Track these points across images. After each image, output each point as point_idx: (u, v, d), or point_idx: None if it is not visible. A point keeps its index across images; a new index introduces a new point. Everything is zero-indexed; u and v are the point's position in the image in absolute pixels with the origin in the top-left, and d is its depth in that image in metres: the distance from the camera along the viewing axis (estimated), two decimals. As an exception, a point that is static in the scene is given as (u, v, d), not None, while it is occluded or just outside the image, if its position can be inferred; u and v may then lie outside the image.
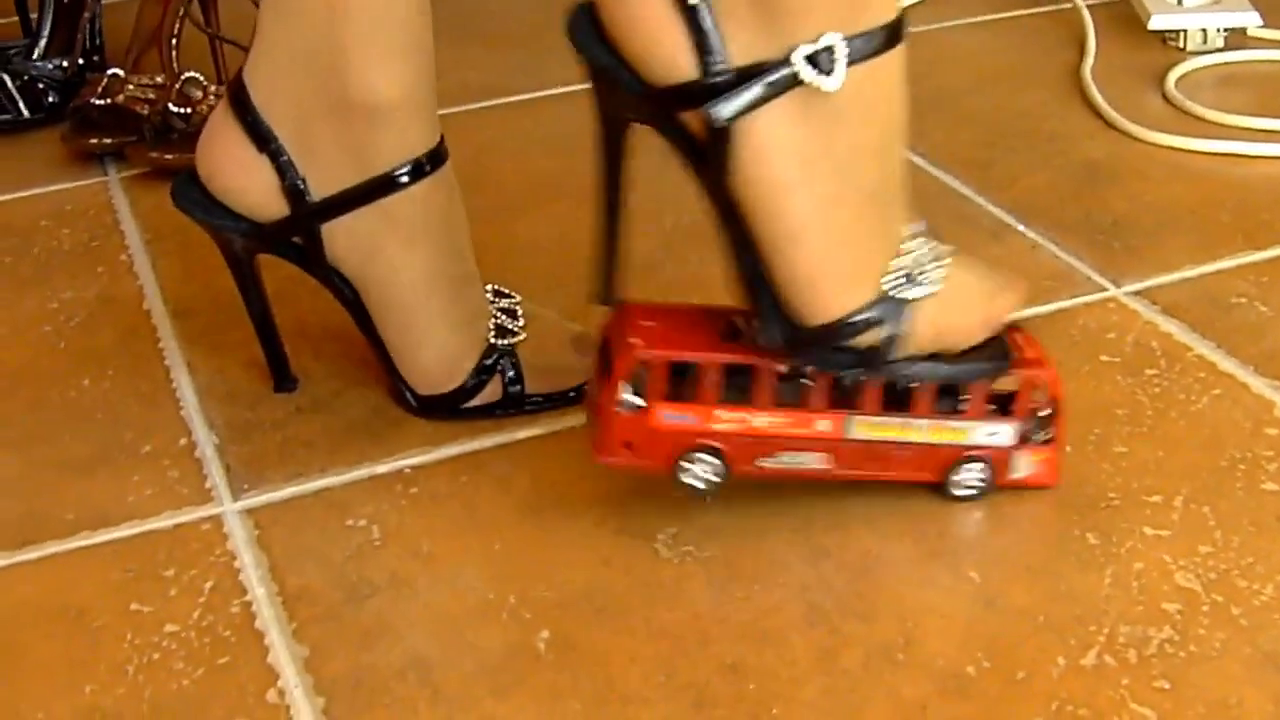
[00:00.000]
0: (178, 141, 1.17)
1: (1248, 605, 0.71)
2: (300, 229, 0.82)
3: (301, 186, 0.81)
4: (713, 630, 0.70)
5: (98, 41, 1.34)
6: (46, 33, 1.31)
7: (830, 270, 0.70)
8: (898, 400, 0.75)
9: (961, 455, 0.76)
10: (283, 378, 0.89)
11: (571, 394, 0.87)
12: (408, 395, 0.86)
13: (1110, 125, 1.20)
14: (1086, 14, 1.40)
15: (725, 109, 0.67)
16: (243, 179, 0.81)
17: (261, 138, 0.80)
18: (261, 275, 0.86)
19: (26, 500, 0.82)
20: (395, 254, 0.82)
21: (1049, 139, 1.19)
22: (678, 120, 0.69)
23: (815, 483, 0.77)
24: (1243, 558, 0.74)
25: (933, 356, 0.74)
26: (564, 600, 0.73)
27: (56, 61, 1.30)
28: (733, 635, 0.70)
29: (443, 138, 0.83)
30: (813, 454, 0.75)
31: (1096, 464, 0.81)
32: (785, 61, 0.67)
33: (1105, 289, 0.97)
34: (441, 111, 0.83)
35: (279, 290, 0.88)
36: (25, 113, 1.29)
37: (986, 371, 0.75)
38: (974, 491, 0.77)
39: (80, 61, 1.31)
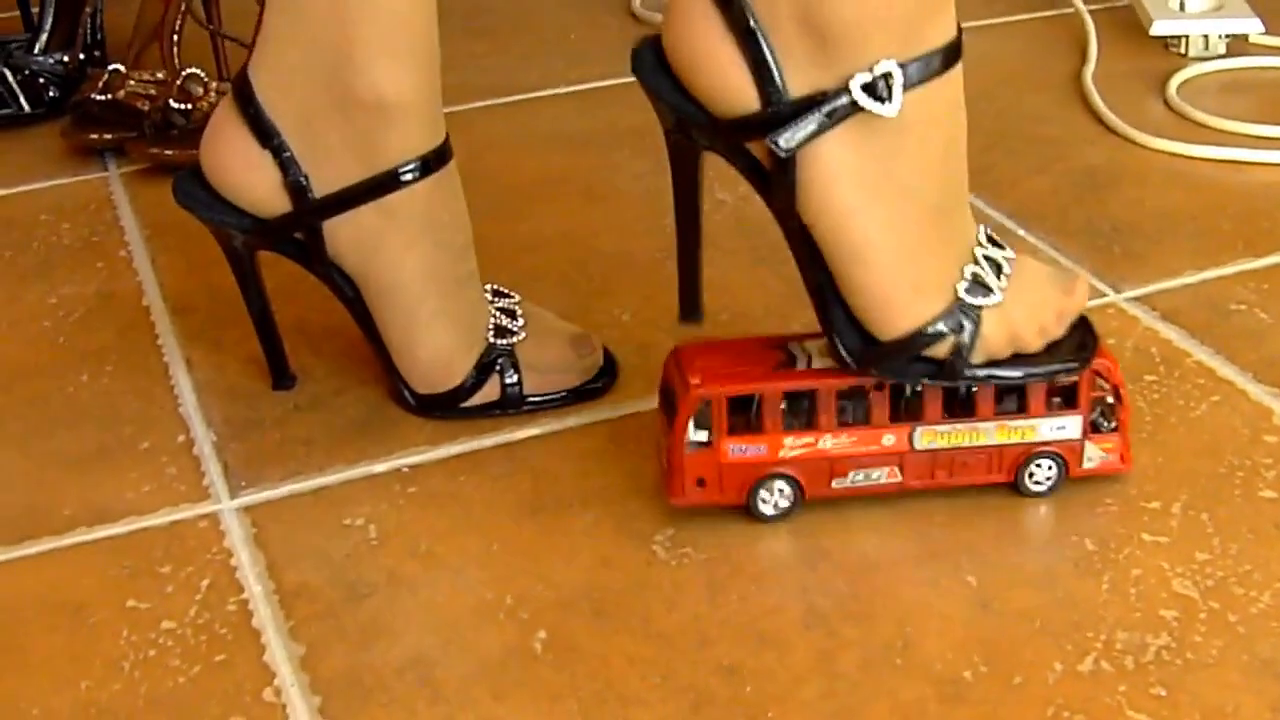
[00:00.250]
0: (178, 137, 1.17)
1: (1245, 613, 0.71)
2: (302, 226, 0.82)
3: (304, 183, 0.81)
4: (711, 632, 0.70)
5: (99, 36, 1.34)
6: (48, 27, 1.31)
7: (898, 286, 0.71)
8: (960, 405, 0.76)
9: (1032, 453, 0.77)
10: (281, 375, 0.89)
11: (569, 394, 0.87)
12: (406, 394, 0.86)
13: (1111, 131, 1.20)
14: (1088, 19, 1.40)
15: (788, 139, 0.68)
16: (246, 175, 0.81)
17: (265, 134, 0.80)
18: (261, 272, 0.86)
19: (24, 495, 0.82)
20: (397, 252, 0.82)
21: (1050, 144, 1.19)
22: (744, 149, 0.71)
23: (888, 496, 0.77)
24: (1240, 565, 0.74)
25: (1013, 358, 0.74)
26: (562, 601, 0.73)
27: (57, 56, 1.30)
28: (731, 637, 0.70)
29: (447, 136, 0.83)
30: (882, 469, 0.76)
31: (1095, 469, 0.81)
32: (844, 90, 0.68)
33: (1105, 294, 0.97)
34: (444, 109, 0.83)
35: (279, 287, 0.88)
36: (26, 107, 1.29)
37: (1068, 369, 0.75)
38: (1046, 487, 0.78)
39: (81, 56, 1.31)
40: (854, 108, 0.68)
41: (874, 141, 0.69)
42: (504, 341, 0.86)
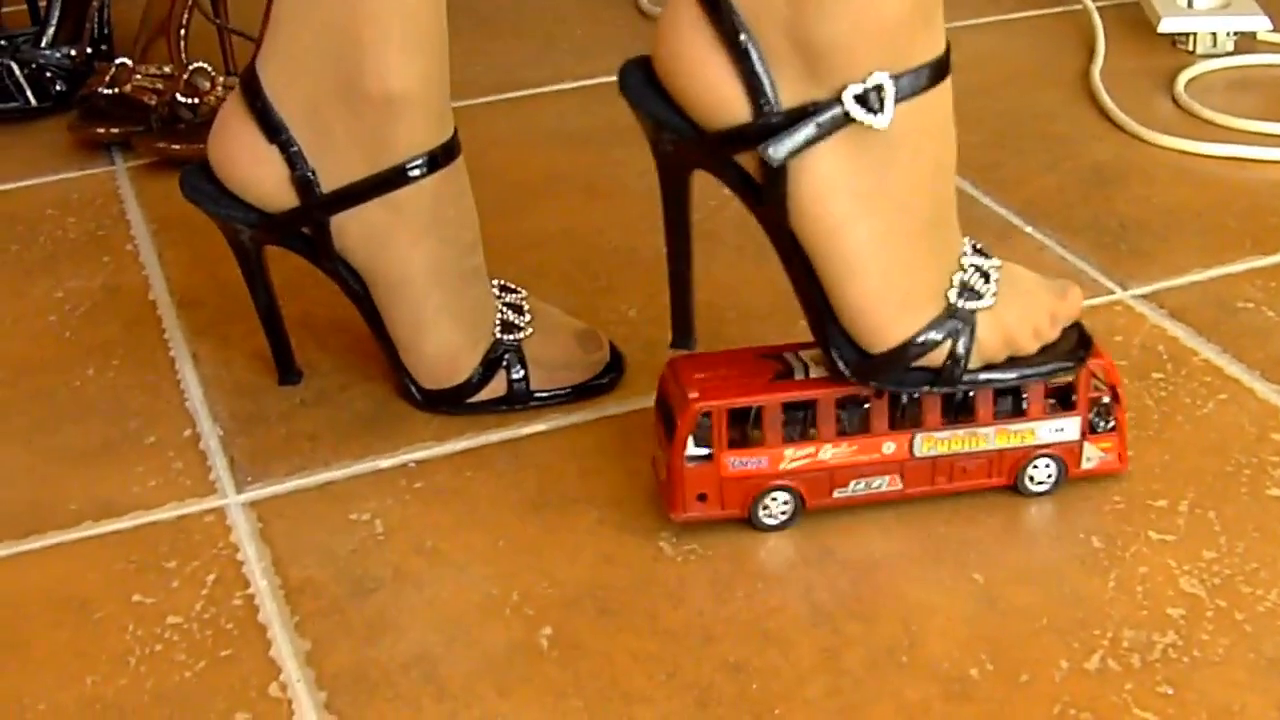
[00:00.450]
0: (185, 132, 1.17)
1: (1252, 611, 0.71)
2: (309, 221, 0.82)
3: (311, 178, 0.81)
4: (716, 629, 0.70)
5: (106, 30, 1.34)
6: (55, 21, 1.31)
7: (888, 300, 0.71)
8: (959, 410, 0.76)
9: (1031, 455, 0.77)
10: (288, 370, 0.89)
11: (575, 390, 0.87)
12: (413, 389, 0.86)
13: (1119, 128, 1.20)
14: (1096, 16, 1.40)
15: (779, 149, 0.68)
16: (253, 169, 0.81)
17: (273, 128, 0.80)
18: (268, 267, 0.86)
19: (30, 490, 0.82)
20: (404, 247, 0.82)
21: (1057, 141, 1.19)
22: (734, 162, 0.70)
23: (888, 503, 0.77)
24: (1247, 563, 0.74)
25: (1009, 361, 0.74)
26: (567, 598, 0.73)
27: (64, 50, 1.30)
28: (736, 634, 0.70)
29: (456, 131, 0.83)
30: (883, 477, 0.76)
31: (1102, 467, 0.81)
32: (835, 101, 0.68)
33: (1112, 292, 0.97)
34: (452, 104, 0.83)
35: (285, 282, 0.88)
36: (33, 101, 1.29)
37: (1064, 368, 0.75)
38: (1046, 488, 0.78)
39: (88, 50, 1.31)
40: (846, 119, 0.68)
41: (865, 154, 0.69)
42: (511, 337, 0.85)
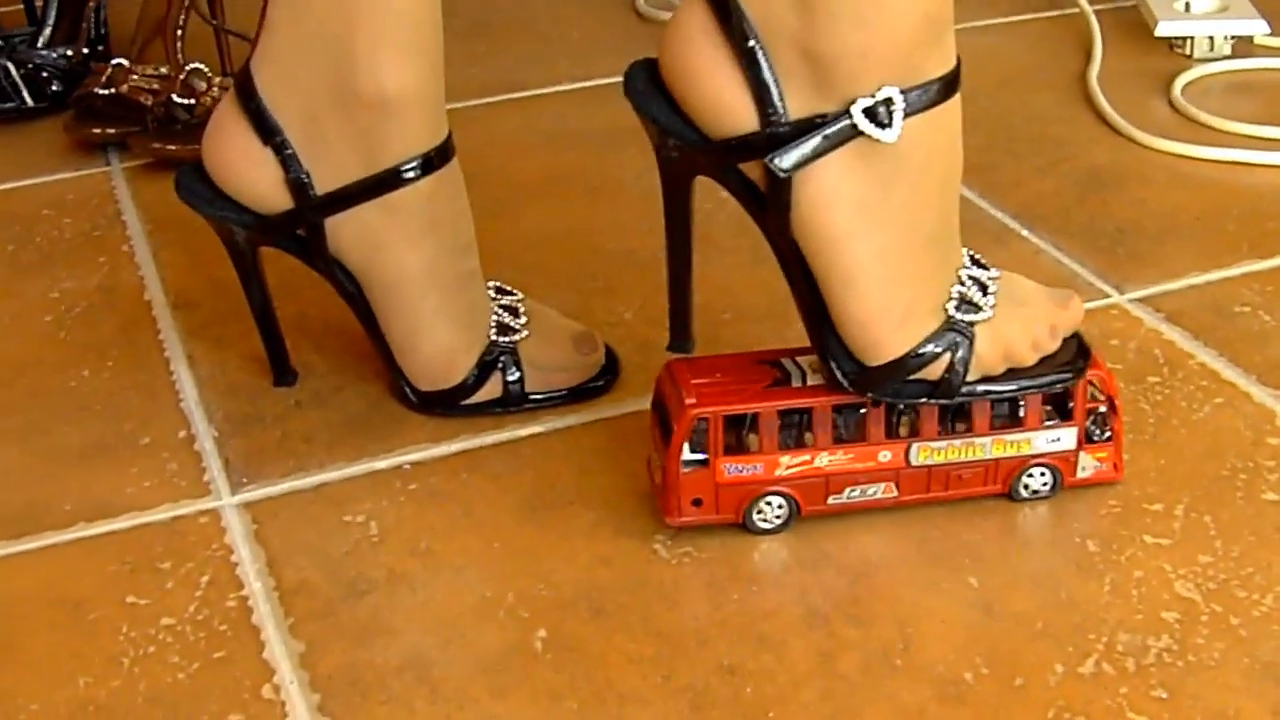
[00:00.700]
0: (181, 133, 1.17)
1: (1247, 616, 0.71)
2: (304, 222, 0.82)
3: (306, 180, 0.80)
4: (711, 632, 0.70)
5: (102, 31, 1.34)
6: (51, 21, 1.31)
7: (887, 312, 0.71)
8: (955, 419, 0.76)
9: (1027, 464, 0.77)
10: (283, 371, 0.89)
11: (571, 392, 0.87)
12: (408, 391, 0.86)
13: (1116, 131, 1.20)
14: (1094, 19, 1.40)
15: (786, 159, 0.68)
16: (247, 171, 0.81)
17: (267, 130, 0.80)
18: (263, 268, 0.86)
19: (24, 490, 0.81)
20: (399, 249, 0.82)
21: (1054, 144, 1.19)
22: (739, 170, 0.70)
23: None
24: (1242, 568, 0.73)
25: (1007, 373, 0.75)
26: (562, 600, 0.72)
27: (61, 50, 1.30)
28: (731, 637, 0.70)
29: (450, 133, 0.83)
30: (878, 485, 0.76)
31: (1098, 471, 0.81)
32: (844, 114, 0.68)
33: (1108, 295, 0.97)
34: (448, 106, 0.83)
35: (280, 283, 0.88)
36: (29, 101, 1.29)
37: (1062, 379, 0.75)
38: (1041, 495, 0.78)
39: (85, 51, 1.31)
40: (854, 131, 0.68)
41: (872, 168, 0.69)
42: (506, 339, 0.85)
